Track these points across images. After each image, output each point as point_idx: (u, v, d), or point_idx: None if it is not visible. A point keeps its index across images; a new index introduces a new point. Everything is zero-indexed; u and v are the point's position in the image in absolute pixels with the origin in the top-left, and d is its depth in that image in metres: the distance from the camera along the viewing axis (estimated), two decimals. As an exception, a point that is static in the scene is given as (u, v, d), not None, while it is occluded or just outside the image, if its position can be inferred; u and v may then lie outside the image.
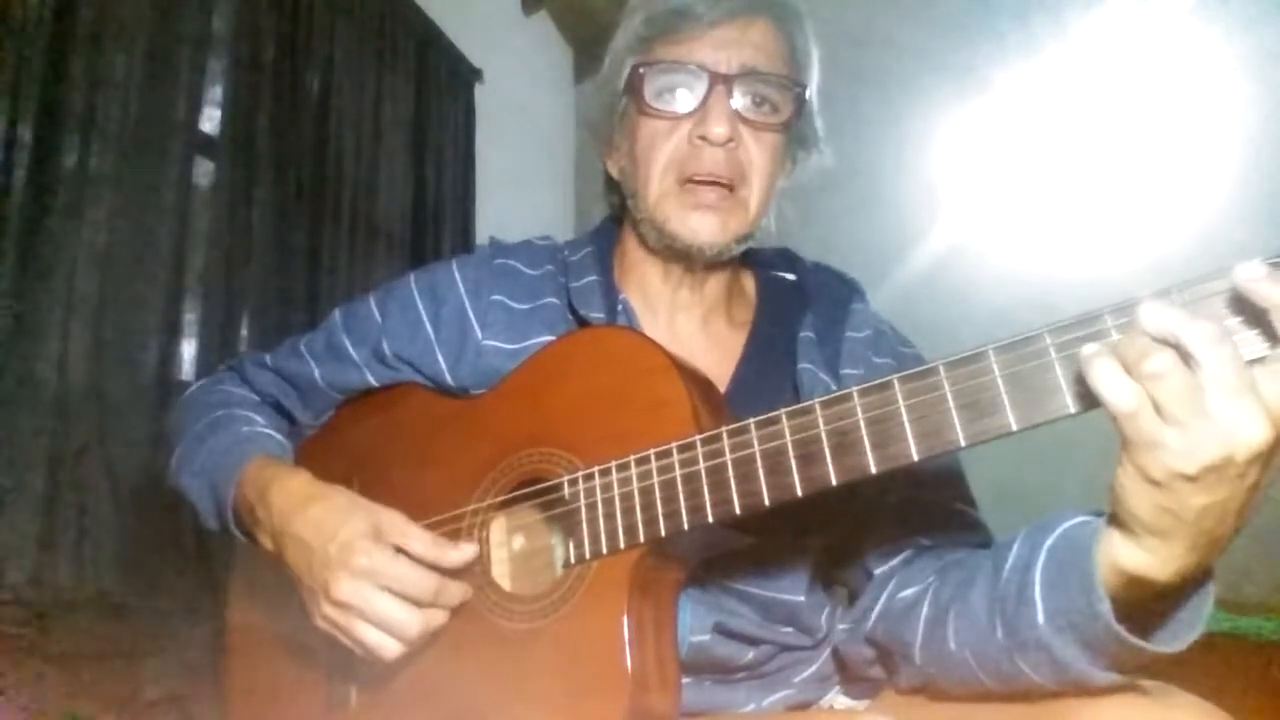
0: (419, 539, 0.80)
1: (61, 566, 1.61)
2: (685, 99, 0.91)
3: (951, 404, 0.62)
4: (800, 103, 0.93)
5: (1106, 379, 0.55)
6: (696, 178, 0.90)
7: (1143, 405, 0.55)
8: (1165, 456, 0.54)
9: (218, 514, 0.94)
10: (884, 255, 2.85)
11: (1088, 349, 0.57)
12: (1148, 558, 0.59)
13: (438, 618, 0.80)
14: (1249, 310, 0.54)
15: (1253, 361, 0.54)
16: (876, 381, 0.66)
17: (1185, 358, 0.53)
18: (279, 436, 0.99)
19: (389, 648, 0.78)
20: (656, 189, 0.92)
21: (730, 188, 0.91)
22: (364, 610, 0.77)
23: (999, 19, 2.95)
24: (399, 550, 0.80)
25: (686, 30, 0.91)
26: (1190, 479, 0.54)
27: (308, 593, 0.82)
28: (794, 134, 0.96)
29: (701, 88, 0.90)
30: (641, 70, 0.92)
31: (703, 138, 0.89)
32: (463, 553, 0.81)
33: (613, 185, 1.03)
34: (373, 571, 0.77)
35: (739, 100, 0.90)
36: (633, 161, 0.95)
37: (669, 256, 0.96)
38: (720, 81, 0.90)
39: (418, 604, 0.78)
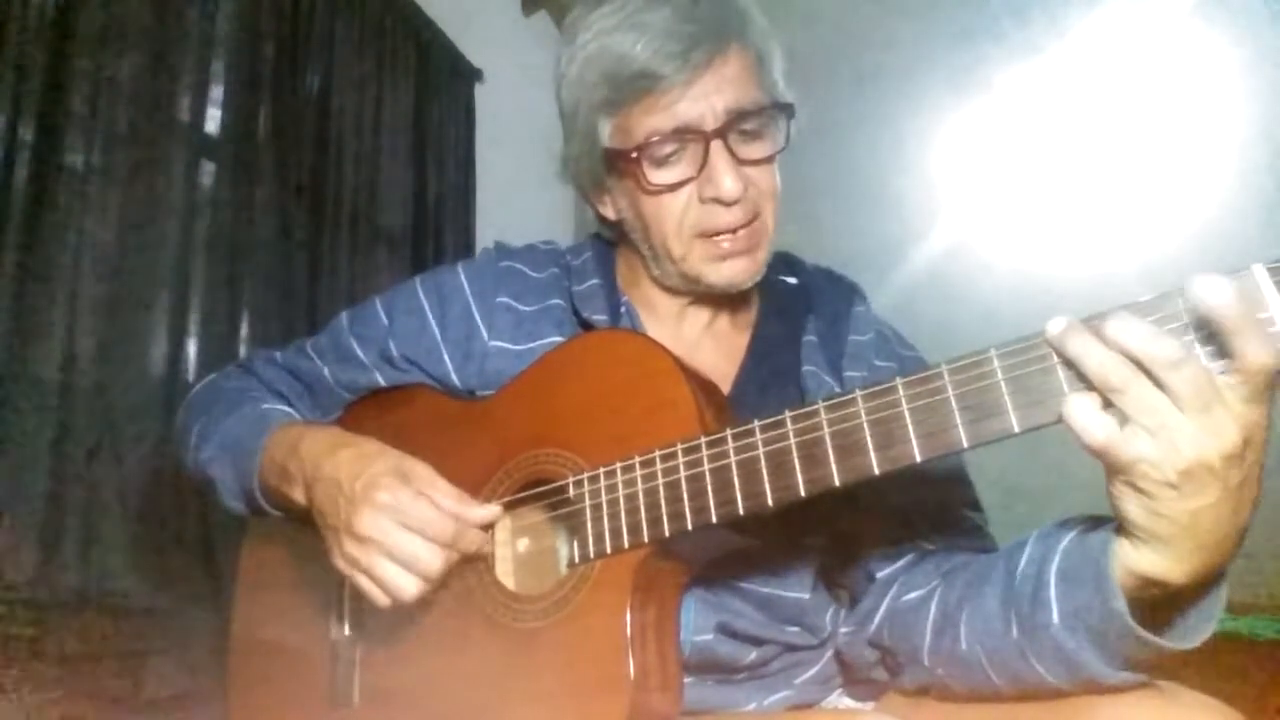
0: (445, 490, 0.80)
1: (67, 567, 1.61)
2: (683, 165, 0.87)
3: (954, 406, 0.62)
4: (789, 119, 0.90)
5: (1080, 416, 0.57)
6: (717, 233, 0.89)
7: (1112, 429, 0.56)
8: (1144, 466, 0.56)
9: (241, 487, 0.93)
10: (884, 255, 2.85)
11: (1071, 402, 0.58)
12: (1158, 560, 0.60)
13: (454, 561, 0.80)
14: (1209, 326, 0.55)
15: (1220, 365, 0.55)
16: (880, 385, 0.66)
17: (1150, 375, 0.55)
18: (296, 414, 0.99)
19: (406, 587, 0.77)
20: (679, 250, 0.90)
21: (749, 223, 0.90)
22: (384, 543, 0.77)
23: (999, 19, 2.95)
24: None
25: (660, 91, 0.85)
26: (1173, 486, 0.56)
27: (331, 532, 0.82)
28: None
29: (697, 149, 0.86)
30: (634, 154, 0.87)
31: (715, 199, 0.86)
32: (488, 511, 0.82)
33: (607, 222, 0.99)
34: (395, 508, 0.77)
35: (737, 147, 0.86)
36: (639, 220, 0.92)
37: (695, 298, 0.96)
38: (715, 137, 0.85)
39: (437, 545, 0.78)
